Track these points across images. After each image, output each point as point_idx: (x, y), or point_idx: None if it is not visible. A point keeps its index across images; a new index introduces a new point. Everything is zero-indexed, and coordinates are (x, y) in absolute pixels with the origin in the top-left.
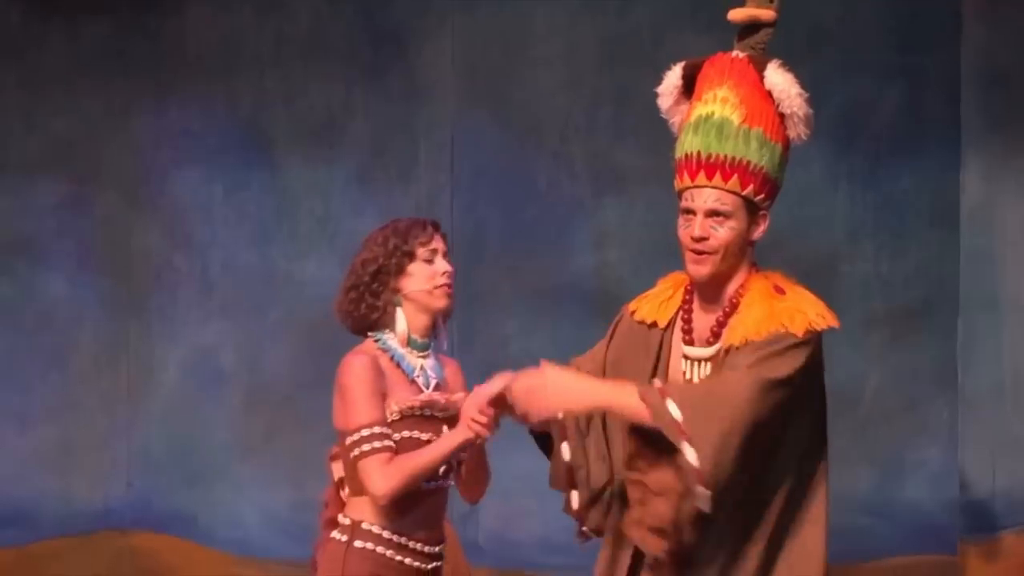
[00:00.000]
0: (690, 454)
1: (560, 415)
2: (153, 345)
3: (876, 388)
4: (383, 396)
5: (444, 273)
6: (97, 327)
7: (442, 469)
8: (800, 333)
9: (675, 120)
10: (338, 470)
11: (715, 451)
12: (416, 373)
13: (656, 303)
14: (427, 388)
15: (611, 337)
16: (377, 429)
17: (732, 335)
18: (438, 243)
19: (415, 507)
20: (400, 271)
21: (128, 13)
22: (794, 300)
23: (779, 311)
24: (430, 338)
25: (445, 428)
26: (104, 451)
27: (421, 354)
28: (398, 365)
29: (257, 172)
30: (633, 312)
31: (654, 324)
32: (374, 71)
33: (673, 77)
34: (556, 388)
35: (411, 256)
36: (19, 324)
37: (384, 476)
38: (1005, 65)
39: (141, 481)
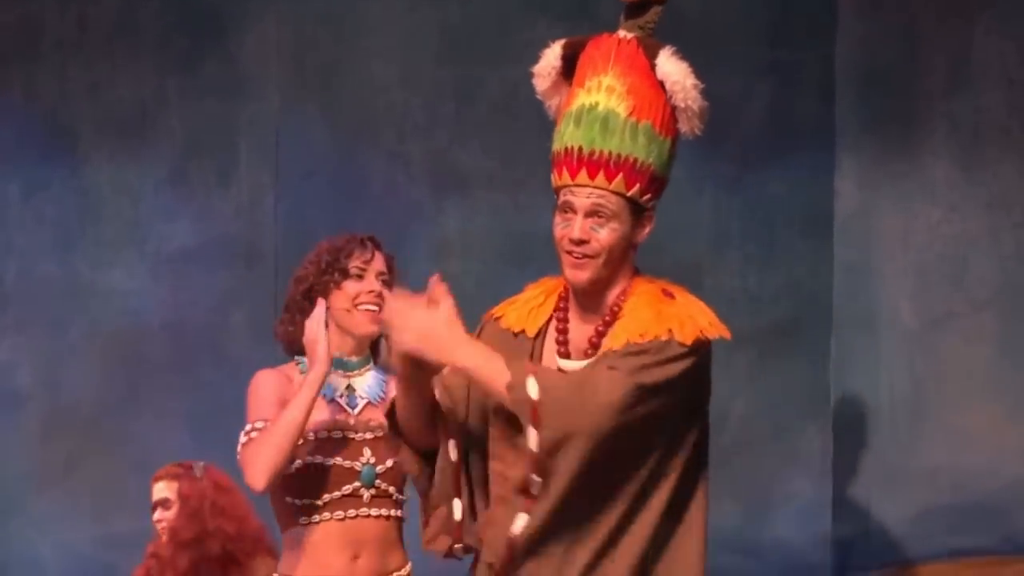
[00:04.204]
0: (532, 439)
1: (440, 390)
2: None
3: (742, 414)
4: (283, 404)
5: (371, 292)
6: None
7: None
8: (689, 341)
9: (552, 103)
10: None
11: (556, 446)
12: (339, 393)
13: (525, 310)
14: (352, 409)
15: None
16: (260, 424)
17: (613, 339)
18: (377, 262)
19: (313, 543)
20: (331, 289)
21: None
22: (684, 306)
23: (668, 315)
24: (366, 355)
25: (367, 450)
26: None
27: (350, 373)
28: None
29: (58, 170)
30: (499, 318)
31: (522, 332)
32: (190, 60)
33: (551, 57)
34: (450, 337)
35: (344, 273)
36: None
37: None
38: (883, 62)
39: None
